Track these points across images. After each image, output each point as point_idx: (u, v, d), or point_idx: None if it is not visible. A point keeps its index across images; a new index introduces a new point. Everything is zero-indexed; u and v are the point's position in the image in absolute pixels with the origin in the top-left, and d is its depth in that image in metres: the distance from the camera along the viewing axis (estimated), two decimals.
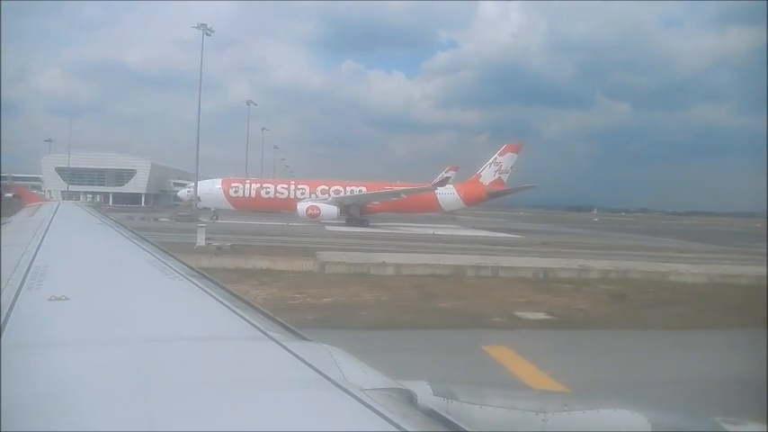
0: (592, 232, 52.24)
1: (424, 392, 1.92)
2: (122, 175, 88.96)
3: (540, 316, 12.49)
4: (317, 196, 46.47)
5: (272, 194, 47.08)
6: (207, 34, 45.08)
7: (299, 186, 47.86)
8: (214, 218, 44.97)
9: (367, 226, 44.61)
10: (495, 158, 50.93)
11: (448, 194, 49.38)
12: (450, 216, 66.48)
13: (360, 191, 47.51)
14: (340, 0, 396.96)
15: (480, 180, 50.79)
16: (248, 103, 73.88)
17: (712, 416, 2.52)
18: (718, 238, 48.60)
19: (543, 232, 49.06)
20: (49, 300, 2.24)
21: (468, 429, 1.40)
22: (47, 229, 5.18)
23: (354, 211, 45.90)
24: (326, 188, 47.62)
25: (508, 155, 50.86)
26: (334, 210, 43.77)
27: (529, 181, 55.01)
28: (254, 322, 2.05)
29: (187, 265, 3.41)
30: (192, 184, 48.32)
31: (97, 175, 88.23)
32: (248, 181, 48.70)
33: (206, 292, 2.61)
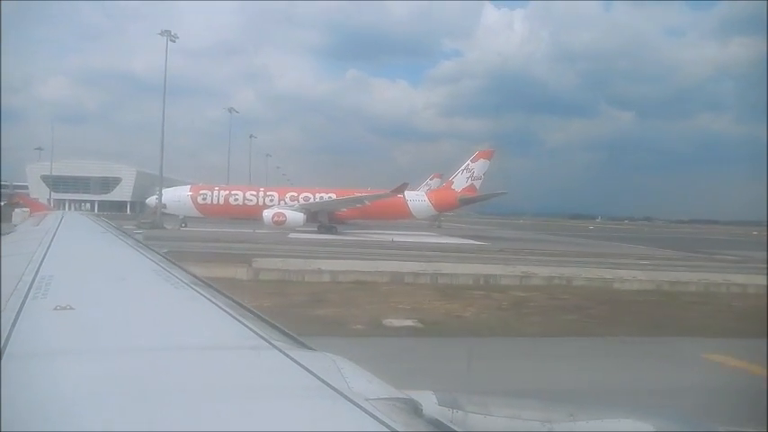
0: (575, 240, 51.57)
1: (429, 402, 1.92)
2: (108, 183, 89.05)
3: (407, 323, 12.06)
4: (285, 203, 46.19)
5: (240, 202, 46.80)
6: (172, 41, 45.22)
7: (268, 193, 47.64)
8: (183, 225, 44.80)
9: (336, 233, 44.32)
10: (468, 165, 50.55)
11: (419, 201, 49.09)
12: (436, 224, 66.27)
13: (329, 198, 47.22)
14: (344, 6, 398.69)
15: (452, 187, 50.42)
16: (230, 111, 74.06)
17: (718, 426, 2.53)
18: (698, 246, 48.03)
19: (519, 240, 48.61)
20: (54, 309, 2.24)
21: None
22: (52, 239, 5.17)
23: (323, 219, 45.51)
24: (296, 195, 47.40)
25: (480, 161, 50.46)
26: (300, 217, 43.41)
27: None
28: (258, 331, 2.06)
29: (192, 275, 3.43)
30: (165, 190, 48.25)
31: (83, 183, 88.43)
32: (217, 188, 48.42)
33: (210, 301, 2.63)
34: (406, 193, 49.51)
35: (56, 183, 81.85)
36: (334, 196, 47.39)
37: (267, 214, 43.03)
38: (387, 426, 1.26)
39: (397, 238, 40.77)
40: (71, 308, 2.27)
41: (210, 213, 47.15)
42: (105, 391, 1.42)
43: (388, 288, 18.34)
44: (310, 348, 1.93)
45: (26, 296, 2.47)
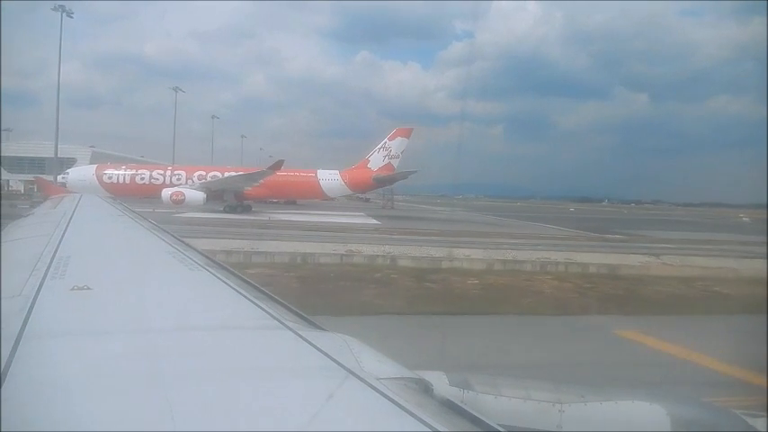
0: (515, 222, 49.99)
1: (439, 382, 1.97)
2: (62, 164, 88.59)
3: None
4: (193, 182, 45.36)
5: (146, 181, 45.87)
6: (69, 16, 44.22)
7: (176, 172, 46.75)
8: None
9: (242, 212, 43.50)
10: (385, 143, 49.21)
11: (332, 180, 47.94)
12: (389, 204, 65.18)
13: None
14: None
15: (368, 165, 49.17)
16: (175, 90, 73.16)
17: (732, 409, 2.44)
18: (626, 226, 46.74)
19: (437, 220, 47.40)
20: (72, 289, 2.27)
21: (483, 419, 1.39)
22: (69, 221, 5.22)
23: (228, 198, 44.63)
24: (204, 174, 46.44)
25: (398, 139, 49.08)
26: (199, 196, 42.49)
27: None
28: (271, 312, 2.09)
29: (206, 256, 3.48)
30: (70, 170, 47.79)
31: (38, 164, 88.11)
32: (123, 167, 47.72)
33: (224, 282, 2.64)
34: (318, 171, 48.63)
35: (11, 163, 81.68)
36: None
37: (165, 193, 42.20)
38: (399, 405, 1.27)
39: (296, 218, 39.99)
40: (88, 288, 2.28)
41: (117, 192, 46.15)
42: (122, 371, 1.43)
43: None
44: (322, 329, 1.93)
45: (44, 277, 2.49)
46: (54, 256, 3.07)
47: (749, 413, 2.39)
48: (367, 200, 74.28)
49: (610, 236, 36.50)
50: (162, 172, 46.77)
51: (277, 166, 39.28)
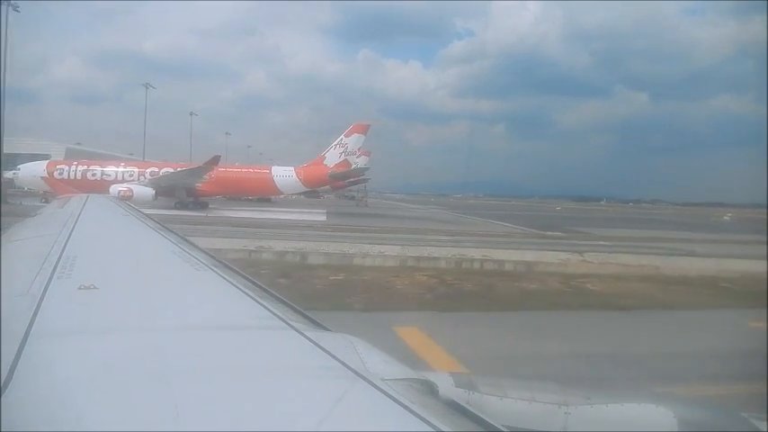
0: (480, 220, 49.82)
1: (445, 383, 1.98)
2: (36, 160, 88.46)
3: None
4: (145, 178, 45.19)
5: (98, 177, 45.62)
6: (16, 10, 43.93)
7: (128, 169, 46.63)
8: (43, 201, 44.06)
9: (194, 209, 43.28)
10: (341, 140, 48.92)
11: (287, 177, 47.65)
12: (363, 202, 64.94)
13: None
14: None
15: (324, 162, 48.88)
16: (146, 86, 72.87)
17: (741, 412, 2.45)
18: (586, 224, 46.56)
19: (396, 218, 47.20)
20: (79, 289, 2.28)
21: (488, 420, 1.40)
22: (76, 221, 5.23)
23: (179, 194, 44.41)
24: (157, 171, 46.25)
25: (354, 136, 48.79)
26: (148, 192, 42.29)
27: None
28: (276, 312, 2.10)
29: (212, 256, 3.53)
30: (21, 166, 47.59)
31: (11, 160, 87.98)
32: (75, 163, 47.52)
33: (229, 282, 2.68)
34: (273, 168, 48.41)
35: None
36: None
37: (113, 189, 41.84)
38: (404, 406, 1.28)
39: (243, 215, 39.80)
40: (95, 287, 2.30)
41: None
42: (128, 370, 1.45)
43: None
44: (327, 329, 1.93)
45: (51, 276, 2.50)
46: (61, 255, 3.08)
47: (756, 416, 2.41)
48: (352, 197, 74.19)
49: (551, 233, 36.21)
50: (114, 168, 46.56)
51: (213, 161, 39.07)
